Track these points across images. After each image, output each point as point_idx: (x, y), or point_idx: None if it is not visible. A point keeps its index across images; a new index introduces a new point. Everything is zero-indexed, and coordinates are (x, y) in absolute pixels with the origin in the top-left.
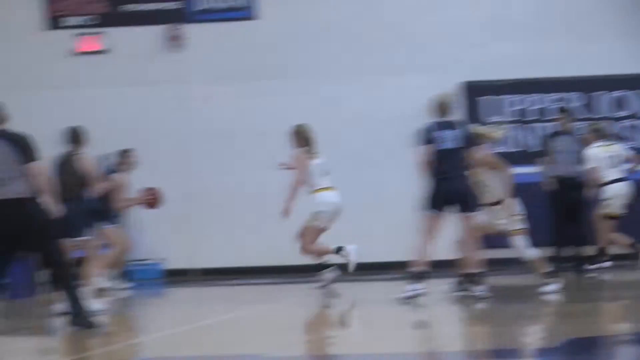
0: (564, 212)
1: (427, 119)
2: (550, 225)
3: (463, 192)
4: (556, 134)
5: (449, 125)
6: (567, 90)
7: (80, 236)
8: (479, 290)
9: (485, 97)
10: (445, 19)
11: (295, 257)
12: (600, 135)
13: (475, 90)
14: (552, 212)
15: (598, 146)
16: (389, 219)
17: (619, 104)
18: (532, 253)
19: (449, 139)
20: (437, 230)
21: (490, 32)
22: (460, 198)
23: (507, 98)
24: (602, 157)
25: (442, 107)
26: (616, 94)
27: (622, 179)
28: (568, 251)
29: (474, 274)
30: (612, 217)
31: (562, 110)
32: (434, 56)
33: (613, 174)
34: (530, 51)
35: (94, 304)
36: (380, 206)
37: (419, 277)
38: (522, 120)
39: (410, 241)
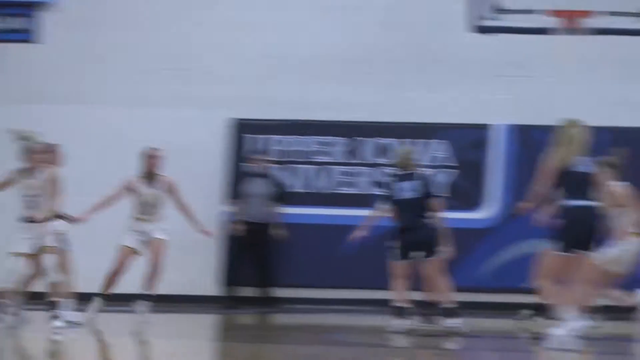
0: (251, 254)
1: (199, 154)
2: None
3: (426, 240)
4: (251, 175)
5: (409, 177)
6: (335, 135)
7: None
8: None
9: (253, 136)
10: (221, 55)
11: None
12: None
13: (245, 128)
14: (241, 254)
15: None
16: None
17: (383, 151)
18: None
19: (408, 190)
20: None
21: (265, 72)
22: (424, 245)
23: (275, 138)
24: None
25: (403, 161)
26: (382, 141)
27: None
28: (257, 292)
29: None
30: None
31: (258, 152)
32: (207, 91)
33: None
34: (301, 94)
35: None
36: None
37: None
38: (287, 160)
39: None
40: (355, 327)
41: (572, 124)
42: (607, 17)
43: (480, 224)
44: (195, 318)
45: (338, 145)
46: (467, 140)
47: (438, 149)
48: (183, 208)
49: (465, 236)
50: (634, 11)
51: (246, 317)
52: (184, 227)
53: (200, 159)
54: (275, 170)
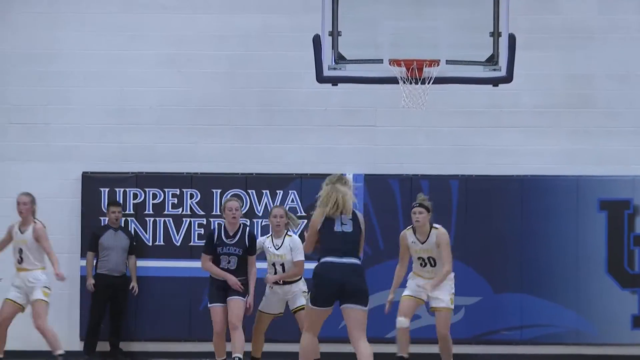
0: (107, 307)
1: (53, 207)
2: None
3: None
4: (107, 228)
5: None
6: (186, 186)
7: None
8: None
9: (105, 189)
10: (71, 108)
11: None
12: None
13: (95, 181)
14: (99, 307)
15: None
16: None
17: None
18: None
19: None
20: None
21: (116, 124)
22: None
23: (128, 190)
24: None
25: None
26: (231, 192)
27: None
28: None
29: None
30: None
31: (113, 204)
32: (59, 145)
33: None
34: (151, 146)
35: None
36: None
37: None
38: (141, 213)
39: None
40: None
41: (332, 180)
42: (451, 65)
43: None
44: None
45: (190, 196)
46: (315, 190)
47: (288, 199)
48: (49, 255)
49: None
50: (478, 60)
51: None
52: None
53: (55, 212)
54: (130, 223)
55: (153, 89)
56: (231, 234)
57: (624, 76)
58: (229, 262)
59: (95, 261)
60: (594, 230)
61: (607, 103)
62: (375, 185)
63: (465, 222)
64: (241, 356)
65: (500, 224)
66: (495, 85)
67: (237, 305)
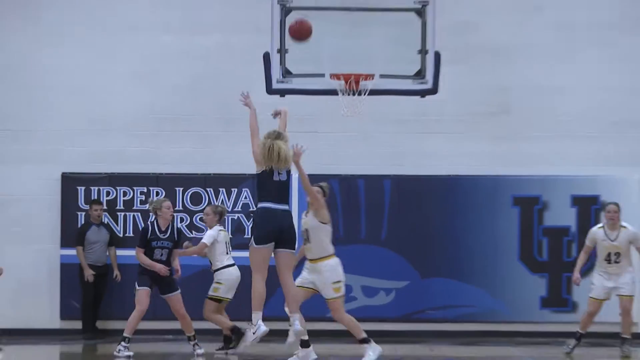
0: (90, 291)
1: (37, 204)
2: None
3: None
4: (89, 224)
5: None
6: (152, 185)
7: None
8: None
9: (82, 187)
10: (53, 116)
11: None
12: (220, 218)
13: (73, 181)
14: (85, 291)
15: (220, 230)
16: None
17: (195, 199)
18: None
19: None
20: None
21: (90, 128)
22: None
23: (103, 189)
24: (220, 240)
25: (151, 207)
26: (192, 190)
27: (233, 265)
28: None
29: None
30: (218, 300)
31: (94, 202)
32: (42, 149)
33: (227, 260)
34: (122, 149)
35: None
36: None
37: None
38: (114, 209)
39: None
40: (181, 354)
41: (271, 136)
42: (384, 79)
43: None
44: (34, 350)
45: (156, 194)
46: None
47: (241, 196)
48: None
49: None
50: (408, 74)
51: (79, 347)
52: (23, 264)
53: (38, 208)
54: (104, 217)
55: (124, 100)
56: (163, 229)
57: (535, 88)
58: (161, 255)
59: (85, 253)
60: (508, 223)
61: (520, 112)
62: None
63: (396, 216)
64: (193, 334)
65: (427, 218)
66: (423, 96)
67: (176, 300)
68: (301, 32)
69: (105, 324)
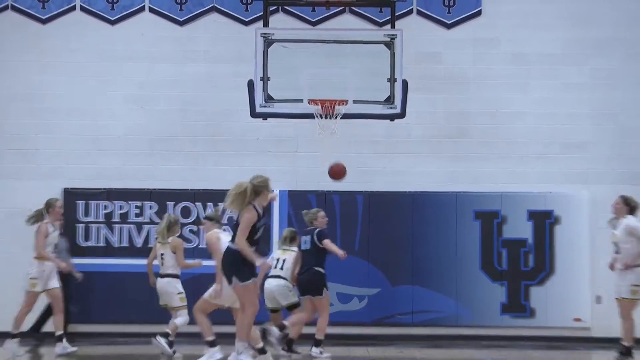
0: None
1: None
2: None
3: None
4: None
5: (308, 232)
6: (146, 200)
7: None
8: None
9: (82, 201)
10: (56, 136)
11: None
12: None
13: (74, 195)
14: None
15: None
16: None
17: (185, 212)
18: None
19: (305, 243)
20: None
21: (90, 147)
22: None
23: (99, 203)
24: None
25: (308, 218)
26: (183, 204)
27: None
28: None
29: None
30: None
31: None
32: (43, 166)
33: None
34: (119, 167)
35: None
36: None
37: None
38: (109, 221)
39: None
40: (144, 355)
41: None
42: (357, 104)
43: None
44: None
45: (150, 208)
46: None
47: (228, 210)
48: None
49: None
50: (378, 100)
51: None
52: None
53: None
54: (101, 229)
55: (121, 122)
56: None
57: (493, 113)
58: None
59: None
60: (470, 236)
61: (479, 134)
62: (297, 200)
63: (368, 228)
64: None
65: (396, 230)
66: (392, 120)
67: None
68: (339, 174)
69: (75, 327)
